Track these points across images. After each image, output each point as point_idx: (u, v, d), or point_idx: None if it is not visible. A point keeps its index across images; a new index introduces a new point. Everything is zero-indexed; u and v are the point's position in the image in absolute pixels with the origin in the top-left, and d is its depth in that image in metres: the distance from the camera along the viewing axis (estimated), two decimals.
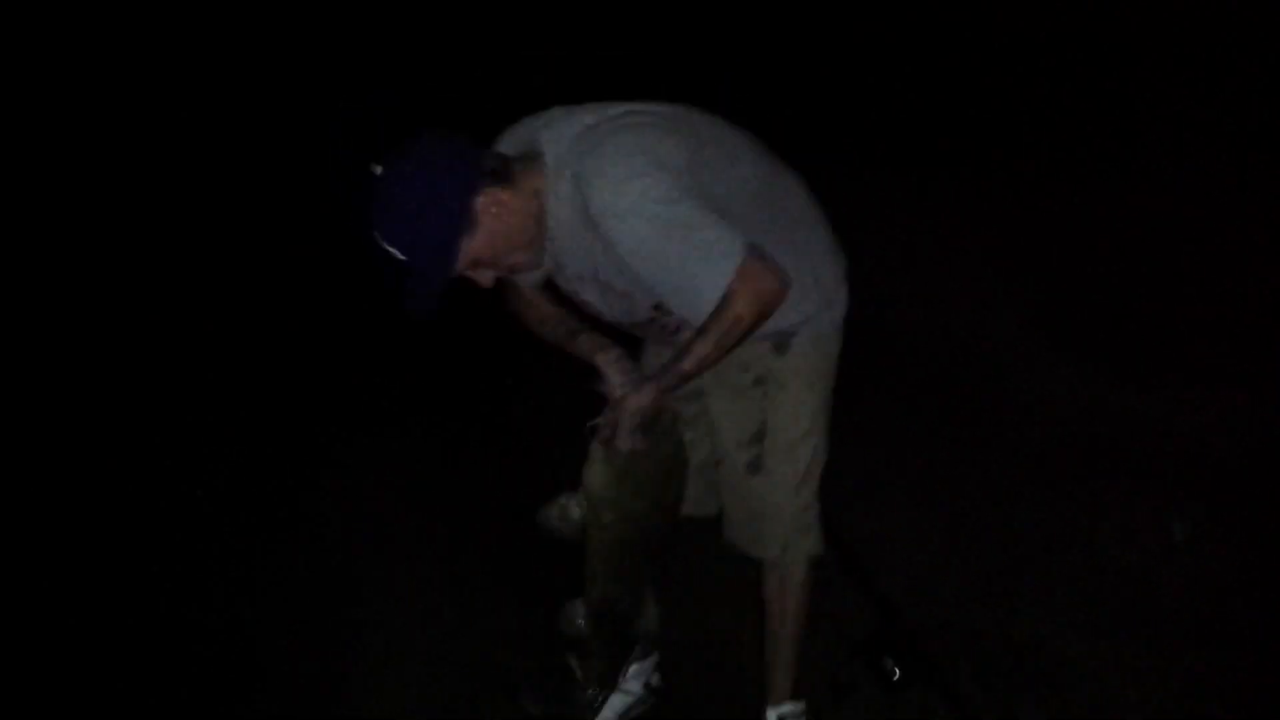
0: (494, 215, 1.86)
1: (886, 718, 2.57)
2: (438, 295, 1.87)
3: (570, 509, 2.09)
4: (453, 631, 3.02)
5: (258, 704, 2.83)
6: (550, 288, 2.17)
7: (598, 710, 2.52)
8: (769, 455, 2.26)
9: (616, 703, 2.58)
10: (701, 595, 2.91)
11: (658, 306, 2.01)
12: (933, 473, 3.43)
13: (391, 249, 1.83)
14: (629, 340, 2.16)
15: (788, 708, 2.43)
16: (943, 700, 2.54)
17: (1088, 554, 3.06)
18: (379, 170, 1.82)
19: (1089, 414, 3.62)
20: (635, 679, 2.59)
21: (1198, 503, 3.18)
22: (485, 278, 1.98)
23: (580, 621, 2.28)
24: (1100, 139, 5.03)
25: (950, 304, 4.24)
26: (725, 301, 1.82)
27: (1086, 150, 5.01)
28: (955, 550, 3.09)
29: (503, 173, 1.88)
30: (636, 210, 1.79)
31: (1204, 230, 4.30)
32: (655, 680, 2.61)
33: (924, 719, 2.55)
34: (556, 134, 1.92)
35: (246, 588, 3.24)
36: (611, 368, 2.01)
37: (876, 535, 3.02)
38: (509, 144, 1.99)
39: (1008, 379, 3.85)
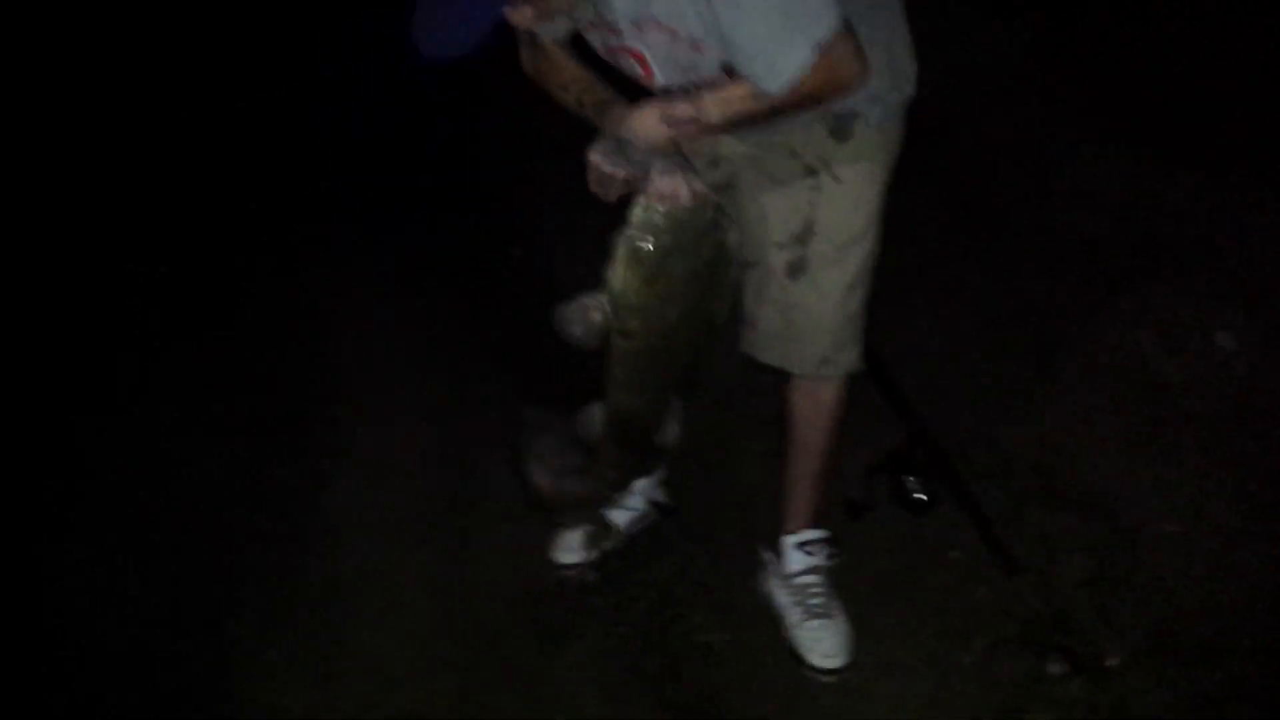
0: None
1: (908, 541, 2.36)
2: (482, 28, 1.41)
3: (591, 310, 1.74)
4: (446, 439, 2.78)
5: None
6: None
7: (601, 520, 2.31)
8: (815, 258, 1.92)
9: (619, 518, 2.34)
10: (714, 407, 2.62)
11: (727, 68, 1.62)
12: (968, 273, 3.10)
13: None
14: None
15: (808, 535, 2.19)
16: (969, 523, 2.32)
17: (1128, 363, 2.79)
18: None
19: (1139, 208, 3.25)
20: (640, 495, 2.34)
21: (1247, 310, 2.90)
22: (523, 14, 1.53)
23: (597, 427, 2.00)
24: None
25: (992, 93, 3.75)
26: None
27: None
28: (987, 358, 2.81)
29: None
30: None
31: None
32: (661, 497, 2.36)
33: (947, 545, 2.34)
34: None
35: (234, 389, 2.99)
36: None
37: (903, 340, 2.72)
38: None
39: (1053, 171, 3.44)
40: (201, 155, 3.97)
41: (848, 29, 1.49)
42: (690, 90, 1.63)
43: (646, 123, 1.57)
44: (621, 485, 2.16)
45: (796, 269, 1.94)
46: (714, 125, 1.59)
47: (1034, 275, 3.07)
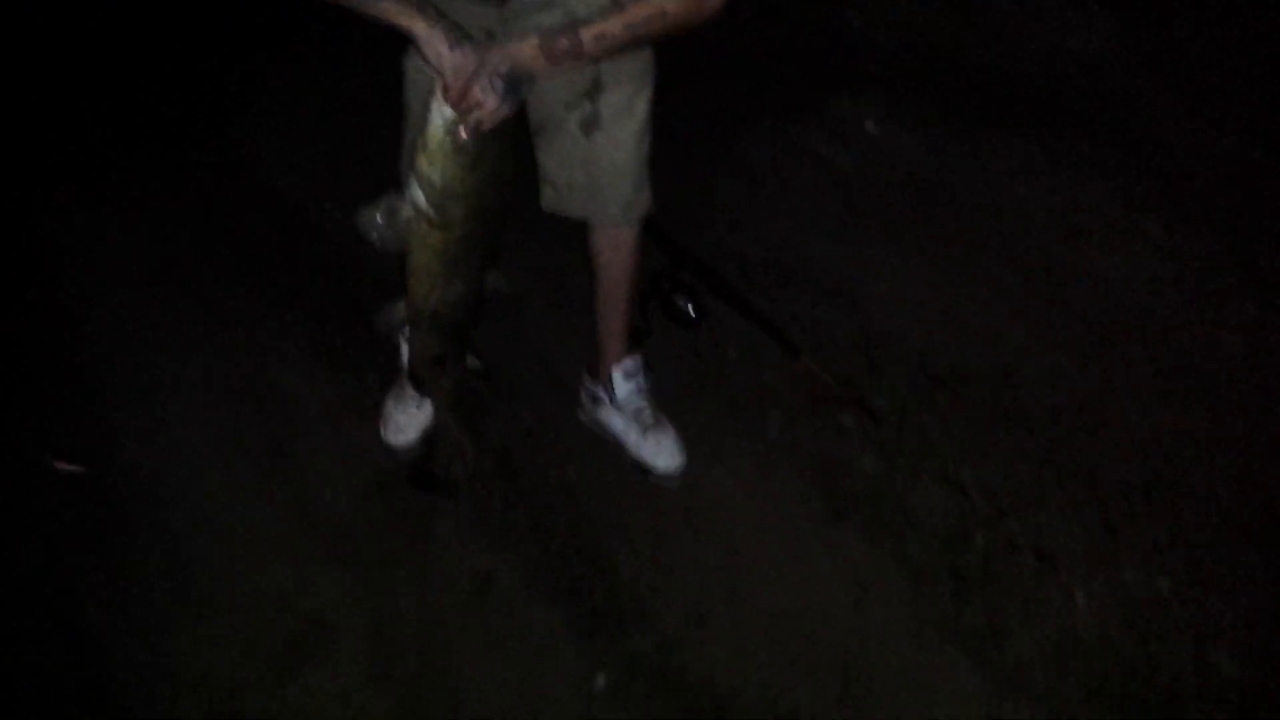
0: None
1: (689, 352, 2.68)
2: None
3: (400, 209, 1.80)
4: (216, 363, 2.71)
5: None
6: None
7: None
8: (607, 111, 2.07)
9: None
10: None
11: None
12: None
13: None
14: None
15: (630, 363, 2.42)
16: (738, 323, 2.67)
17: (807, 156, 3.26)
18: None
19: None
20: None
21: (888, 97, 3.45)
22: None
23: (401, 325, 2.05)
24: None
25: None
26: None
27: None
28: (695, 173, 3.13)
29: None
30: None
31: None
32: (474, 363, 2.47)
33: (725, 347, 2.69)
34: None
35: None
36: (438, 35, 1.69)
37: None
38: None
39: None
40: None
41: None
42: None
43: (531, 57, 1.66)
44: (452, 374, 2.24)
45: (590, 124, 2.08)
46: (590, 57, 1.71)
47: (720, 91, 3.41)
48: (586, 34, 1.68)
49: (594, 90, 2.05)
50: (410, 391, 2.43)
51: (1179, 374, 2.59)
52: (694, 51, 3.45)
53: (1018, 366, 2.62)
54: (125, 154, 3.36)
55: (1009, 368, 2.62)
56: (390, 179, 1.92)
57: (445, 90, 1.70)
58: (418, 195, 1.75)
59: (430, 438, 2.39)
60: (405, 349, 2.41)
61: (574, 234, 2.28)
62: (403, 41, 2.02)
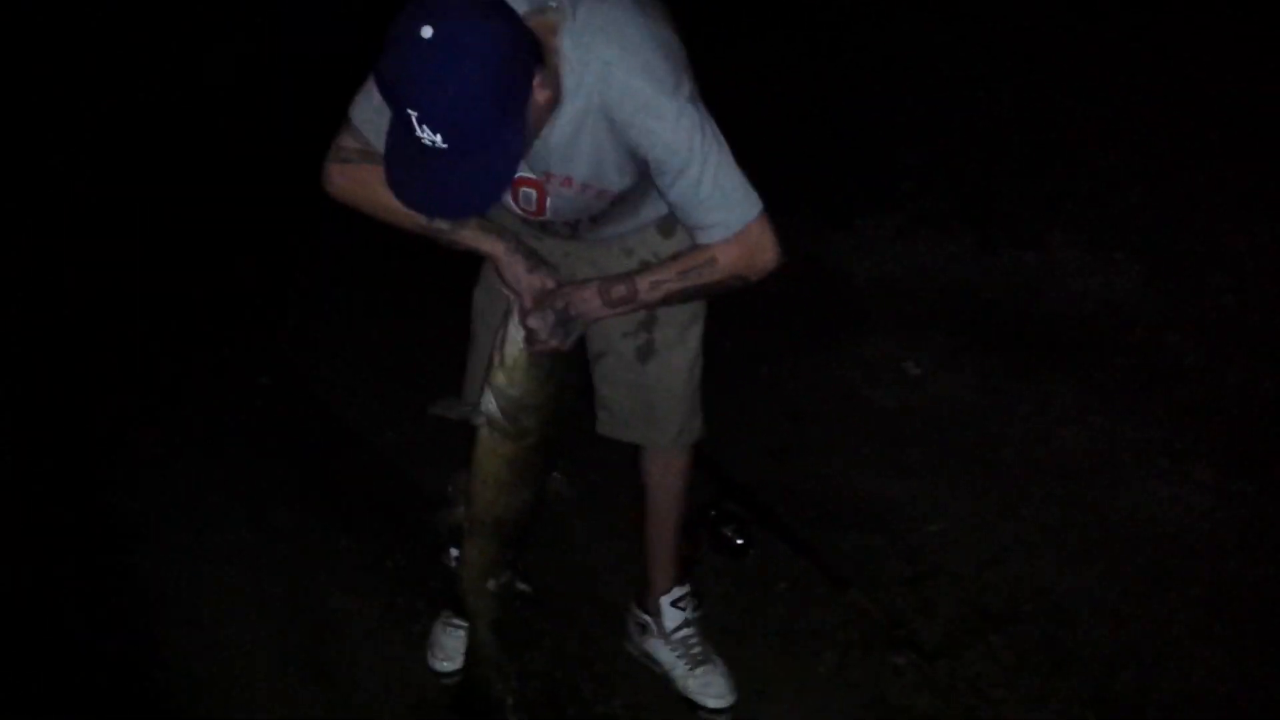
0: (537, 99, 1.57)
1: (737, 583, 2.66)
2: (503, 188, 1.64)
3: (469, 414, 1.87)
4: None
5: None
6: None
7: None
8: (661, 341, 2.15)
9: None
10: None
11: (615, 200, 1.87)
12: None
13: (439, 134, 1.47)
14: None
15: (679, 592, 2.40)
16: (786, 556, 2.67)
17: (848, 393, 3.33)
18: (428, 33, 1.41)
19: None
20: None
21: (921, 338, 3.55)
22: None
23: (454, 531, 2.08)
24: None
25: None
26: (716, 249, 1.75)
27: None
28: (742, 409, 3.18)
29: (538, 46, 1.56)
30: (680, 117, 1.64)
31: None
32: (523, 586, 2.45)
33: (774, 579, 2.66)
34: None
35: None
36: (517, 260, 1.80)
37: None
38: None
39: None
40: None
41: (764, 212, 1.73)
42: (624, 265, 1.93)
43: (589, 301, 1.77)
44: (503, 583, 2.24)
45: (646, 353, 2.16)
46: (646, 305, 1.82)
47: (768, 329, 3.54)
48: (642, 282, 1.79)
49: (649, 321, 2.14)
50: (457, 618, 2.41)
51: (1238, 620, 2.52)
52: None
53: (1070, 608, 2.55)
54: (174, 366, 3.55)
55: (1061, 609, 2.55)
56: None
57: (522, 311, 1.79)
58: (492, 407, 1.83)
59: (467, 661, 2.35)
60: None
61: (622, 458, 2.31)
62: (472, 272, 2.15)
